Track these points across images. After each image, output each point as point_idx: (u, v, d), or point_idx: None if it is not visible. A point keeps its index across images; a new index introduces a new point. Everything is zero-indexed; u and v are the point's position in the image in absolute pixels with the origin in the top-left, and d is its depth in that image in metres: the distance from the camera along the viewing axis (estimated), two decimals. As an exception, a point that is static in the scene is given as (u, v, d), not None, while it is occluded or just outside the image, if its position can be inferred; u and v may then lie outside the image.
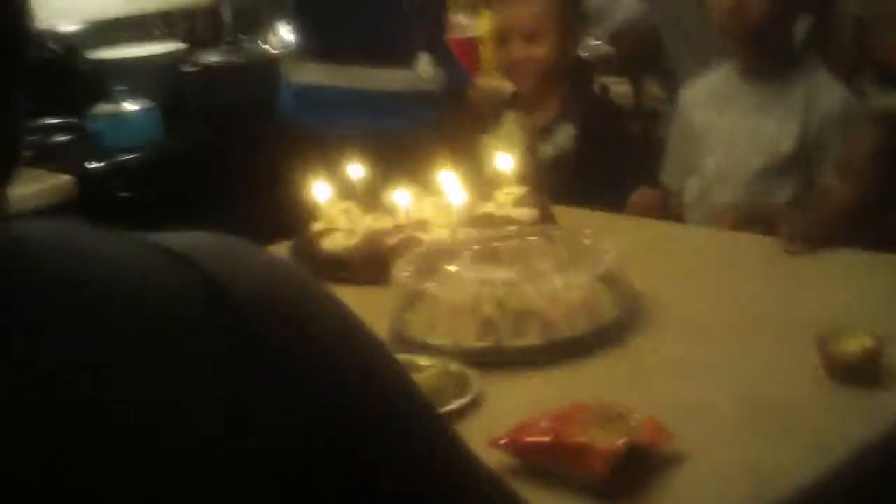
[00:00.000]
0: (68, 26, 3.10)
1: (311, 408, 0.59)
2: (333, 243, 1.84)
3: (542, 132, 2.35)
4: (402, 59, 2.55)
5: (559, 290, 1.46)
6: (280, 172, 2.29)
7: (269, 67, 2.98)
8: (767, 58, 2.10)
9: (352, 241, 1.83)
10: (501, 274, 1.51)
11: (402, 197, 1.88)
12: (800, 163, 2.07)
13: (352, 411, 0.62)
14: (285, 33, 3.21)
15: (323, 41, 2.55)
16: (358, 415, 0.62)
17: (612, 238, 1.62)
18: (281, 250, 1.92)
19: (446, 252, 1.63)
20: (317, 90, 2.56)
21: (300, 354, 0.60)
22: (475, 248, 1.62)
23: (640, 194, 2.21)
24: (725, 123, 2.15)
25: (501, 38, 2.38)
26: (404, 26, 2.56)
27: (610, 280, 1.53)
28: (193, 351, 0.57)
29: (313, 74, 2.57)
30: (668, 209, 2.22)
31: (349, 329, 0.65)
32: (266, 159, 2.61)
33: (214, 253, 0.61)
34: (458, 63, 2.84)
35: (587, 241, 1.62)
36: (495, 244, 1.63)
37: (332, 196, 1.94)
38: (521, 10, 2.32)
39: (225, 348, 0.57)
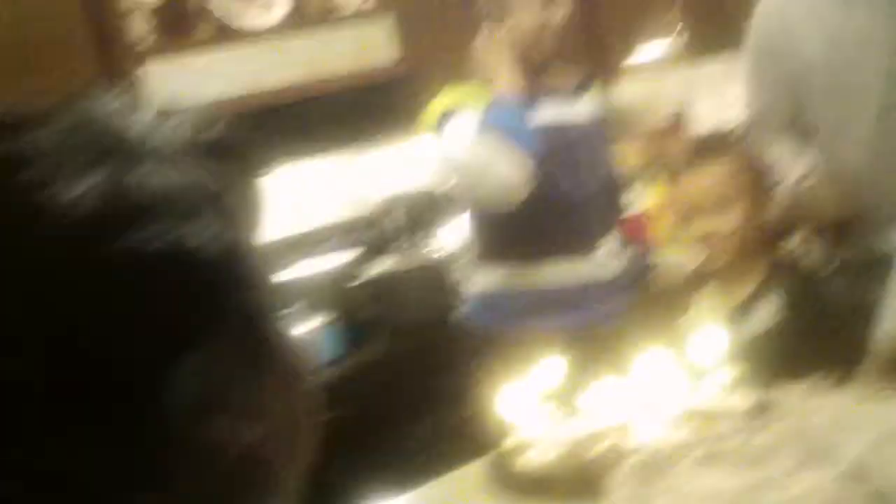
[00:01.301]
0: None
1: None
2: (530, 462, 1.66)
3: (743, 308, 2.14)
4: (582, 248, 2.43)
5: (802, 496, 1.25)
6: (465, 384, 2.17)
7: (438, 274, 2.90)
8: None
9: (550, 456, 1.66)
10: (733, 482, 1.31)
11: (600, 396, 1.71)
12: None
13: None
14: (444, 236, 3.13)
15: (500, 242, 2.45)
16: None
17: (851, 421, 1.41)
18: (472, 469, 1.78)
19: (663, 459, 1.44)
20: (500, 296, 2.45)
21: None
22: (696, 451, 1.43)
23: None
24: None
25: (685, 212, 2.21)
26: (583, 216, 2.44)
27: (858, 476, 1.31)
28: None
29: (495, 279, 2.47)
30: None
31: None
32: (448, 370, 2.48)
33: None
34: (637, 244, 2.70)
35: (822, 430, 1.40)
36: (718, 444, 1.44)
37: (529, 403, 1.78)
38: (705, 180, 2.15)
39: None
